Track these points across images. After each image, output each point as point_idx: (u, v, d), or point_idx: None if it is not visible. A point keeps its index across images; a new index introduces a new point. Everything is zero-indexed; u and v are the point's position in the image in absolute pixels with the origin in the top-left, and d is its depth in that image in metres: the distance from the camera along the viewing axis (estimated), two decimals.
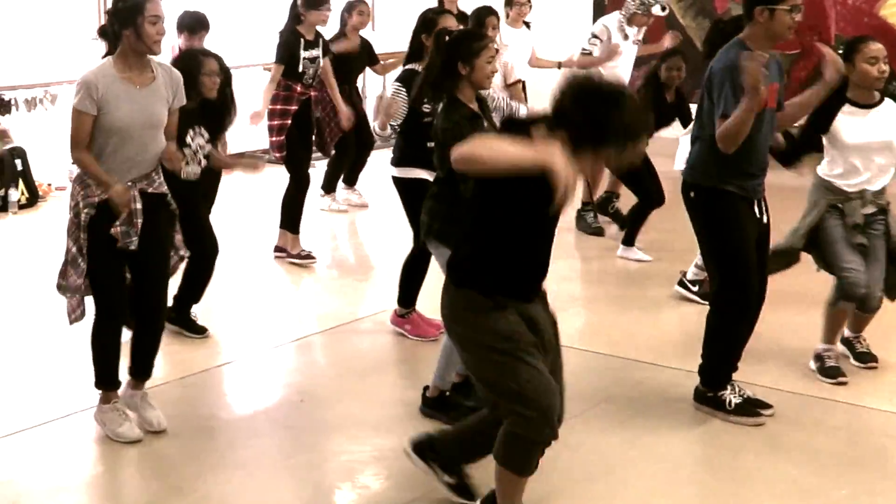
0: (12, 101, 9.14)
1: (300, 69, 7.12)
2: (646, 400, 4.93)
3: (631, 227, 7.36)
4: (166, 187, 4.51)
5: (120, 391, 4.56)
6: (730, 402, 4.67)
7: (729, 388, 4.70)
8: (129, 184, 4.31)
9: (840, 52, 5.04)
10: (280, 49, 7.14)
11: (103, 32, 4.36)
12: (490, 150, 3.21)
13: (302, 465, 4.34)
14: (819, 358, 5.22)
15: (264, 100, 7.12)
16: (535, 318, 3.54)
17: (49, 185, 9.17)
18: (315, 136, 7.53)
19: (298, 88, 7.16)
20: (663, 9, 7.94)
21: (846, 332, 5.35)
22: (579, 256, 7.61)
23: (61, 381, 5.11)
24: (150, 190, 4.40)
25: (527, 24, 8.60)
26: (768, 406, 4.75)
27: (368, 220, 8.64)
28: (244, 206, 8.50)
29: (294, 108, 7.11)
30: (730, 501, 4.07)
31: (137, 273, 4.49)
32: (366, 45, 8.61)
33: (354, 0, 8.51)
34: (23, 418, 4.68)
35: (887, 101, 5.11)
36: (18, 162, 8.85)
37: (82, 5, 9.49)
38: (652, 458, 4.40)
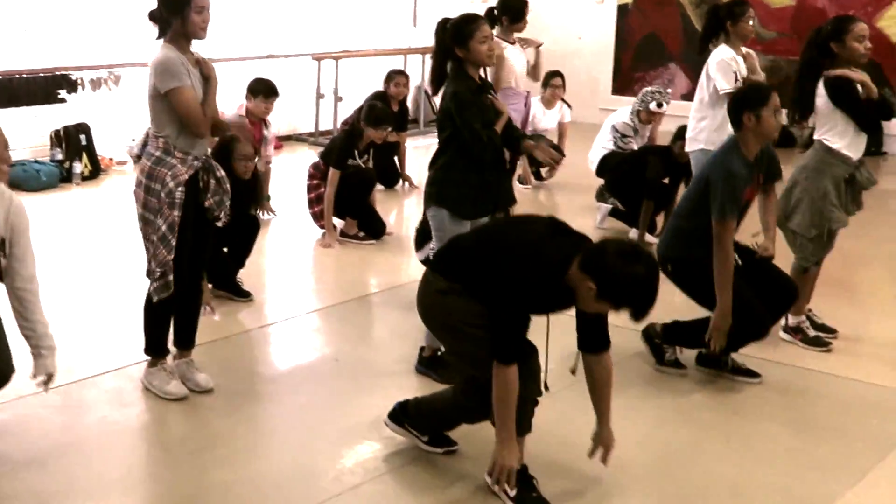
0: (79, 81, 9.29)
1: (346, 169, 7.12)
2: (631, 362, 4.97)
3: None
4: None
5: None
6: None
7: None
8: (197, 161, 4.32)
9: (828, 29, 5.10)
10: (336, 155, 7.08)
11: (153, 17, 4.33)
12: (499, 404, 3.55)
13: (335, 418, 4.42)
14: (799, 330, 5.31)
15: (327, 202, 7.03)
16: None
17: (111, 158, 9.30)
18: None
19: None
20: (659, 105, 7.79)
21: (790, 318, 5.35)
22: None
23: (115, 338, 5.21)
24: (215, 163, 4.46)
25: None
26: (756, 375, 4.85)
27: (410, 202, 8.70)
28: (287, 188, 8.63)
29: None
30: (717, 458, 4.15)
31: (192, 246, 4.41)
32: (402, 114, 8.74)
33: (393, 72, 8.85)
34: (79, 370, 4.79)
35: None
36: (83, 137, 9.00)
37: None
38: (637, 416, 4.48)
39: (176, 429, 4.39)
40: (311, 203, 7.26)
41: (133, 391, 4.60)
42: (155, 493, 3.84)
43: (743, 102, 4.69)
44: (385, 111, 7.38)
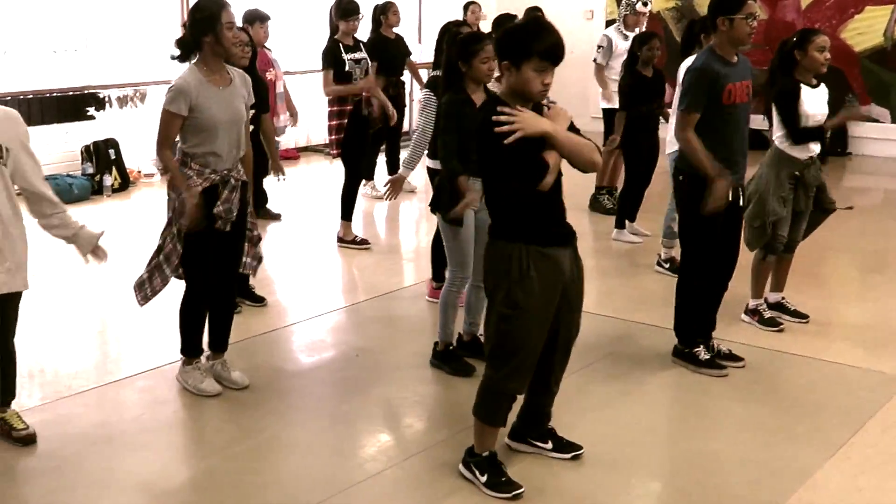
0: (106, 99, 9.42)
1: (346, 70, 7.13)
2: (642, 355, 5.11)
3: (620, 210, 7.39)
4: (246, 178, 4.53)
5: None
6: (701, 356, 4.84)
7: (701, 345, 4.86)
8: (215, 174, 4.35)
9: (794, 40, 5.19)
10: (324, 56, 7.15)
11: (182, 43, 4.37)
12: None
13: (356, 408, 4.48)
14: (755, 312, 5.41)
15: (335, 92, 7.06)
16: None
17: (139, 171, 9.40)
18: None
19: None
20: (645, 4, 8.02)
21: (772, 295, 5.48)
22: (593, 234, 7.71)
23: (148, 340, 5.29)
24: (236, 177, 4.44)
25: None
26: (740, 359, 4.93)
27: (413, 204, 8.77)
28: (302, 196, 8.72)
29: (349, 108, 7.11)
30: (707, 436, 4.25)
31: (220, 254, 4.48)
32: (402, 39, 8.83)
33: (386, 3, 8.65)
34: (115, 371, 4.88)
35: (822, 84, 5.27)
36: (112, 151, 9.11)
37: (167, 14, 9.72)
38: (644, 401, 4.60)
39: (208, 424, 4.42)
40: (331, 131, 7.18)
41: (167, 390, 4.63)
42: (190, 484, 3.88)
43: (719, 7, 4.66)
44: (352, 2, 7.23)
